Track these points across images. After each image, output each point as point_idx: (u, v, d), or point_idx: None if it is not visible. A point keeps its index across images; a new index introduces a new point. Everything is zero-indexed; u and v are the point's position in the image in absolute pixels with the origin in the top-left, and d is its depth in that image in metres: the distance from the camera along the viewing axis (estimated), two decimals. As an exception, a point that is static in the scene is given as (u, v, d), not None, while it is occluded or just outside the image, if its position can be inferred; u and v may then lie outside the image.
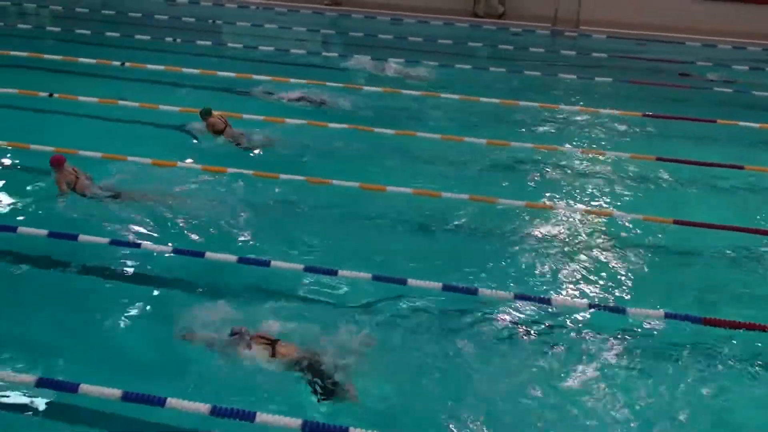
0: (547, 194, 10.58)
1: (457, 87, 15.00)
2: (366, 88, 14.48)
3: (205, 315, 6.83)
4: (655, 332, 7.52)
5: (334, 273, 7.92)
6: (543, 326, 7.58)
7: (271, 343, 6.32)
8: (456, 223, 9.58)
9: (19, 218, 9.03)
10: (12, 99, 12.91)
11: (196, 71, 15.02)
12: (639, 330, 7.56)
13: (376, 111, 13.44)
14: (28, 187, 9.82)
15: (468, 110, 13.84)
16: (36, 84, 13.49)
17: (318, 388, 6.08)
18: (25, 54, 15.50)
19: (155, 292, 7.77)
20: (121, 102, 12.85)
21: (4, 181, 10.09)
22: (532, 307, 7.79)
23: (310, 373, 6.11)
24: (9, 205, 9.45)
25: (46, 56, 15.40)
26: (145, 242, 8.45)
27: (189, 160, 10.82)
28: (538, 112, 13.92)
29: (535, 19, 22.20)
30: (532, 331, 7.48)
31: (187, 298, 7.49)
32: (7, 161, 10.73)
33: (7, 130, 11.54)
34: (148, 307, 7.50)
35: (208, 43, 17.63)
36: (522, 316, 7.68)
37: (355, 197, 9.96)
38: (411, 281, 7.83)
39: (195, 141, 11.70)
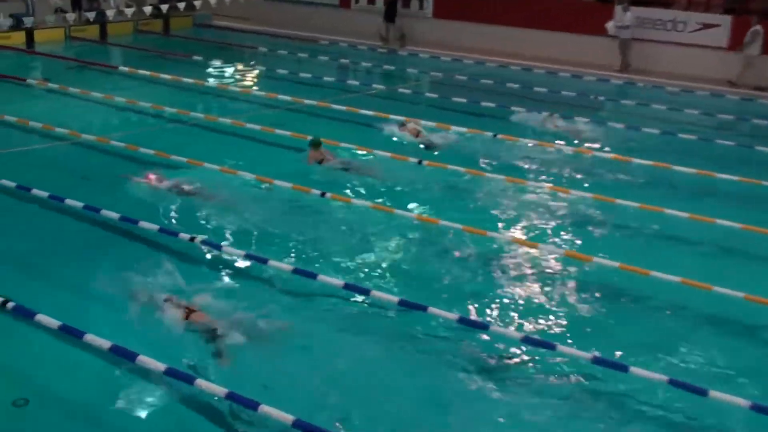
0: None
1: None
2: (676, 168, 14.19)
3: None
4: None
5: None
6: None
7: (189, 311, 8.56)
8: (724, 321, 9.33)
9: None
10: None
11: (569, 150, 15.45)
12: None
13: (669, 190, 13.42)
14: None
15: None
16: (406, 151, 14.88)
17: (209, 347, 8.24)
18: (401, 117, 16.93)
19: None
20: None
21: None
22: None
23: (208, 337, 8.28)
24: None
25: (423, 122, 16.73)
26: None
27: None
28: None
29: None
30: None
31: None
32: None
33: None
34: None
35: (585, 119, 17.96)
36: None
37: (612, 276, 10.14)
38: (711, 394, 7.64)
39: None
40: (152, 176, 12.74)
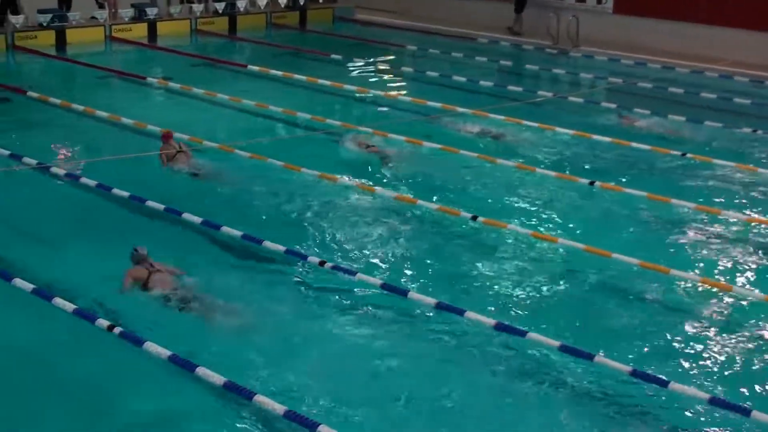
0: None
1: None
2: None
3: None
4: None
5: None
6: None
7: (155, 272, 10.28)
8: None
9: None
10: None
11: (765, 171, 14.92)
12: None
13: None
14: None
15: None
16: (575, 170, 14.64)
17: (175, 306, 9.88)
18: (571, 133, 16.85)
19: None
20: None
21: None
22: None
23: (173, 296, 10.03)
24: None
25: (594, 137, 16.58)
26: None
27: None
28: None
29: None
30: None
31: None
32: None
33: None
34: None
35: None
36: None
37: None
38: None
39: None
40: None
